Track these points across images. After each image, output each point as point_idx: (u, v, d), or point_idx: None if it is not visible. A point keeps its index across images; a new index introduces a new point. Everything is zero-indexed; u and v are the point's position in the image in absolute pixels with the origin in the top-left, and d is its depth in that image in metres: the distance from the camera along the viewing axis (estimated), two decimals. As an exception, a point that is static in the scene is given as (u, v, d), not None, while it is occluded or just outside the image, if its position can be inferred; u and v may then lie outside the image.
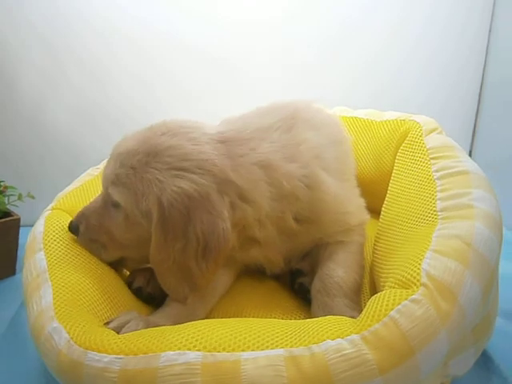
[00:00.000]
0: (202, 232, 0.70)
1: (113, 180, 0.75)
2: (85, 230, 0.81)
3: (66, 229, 0.83)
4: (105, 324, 0.66)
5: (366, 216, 0.93)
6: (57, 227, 0.83)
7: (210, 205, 0.71)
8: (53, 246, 0.78)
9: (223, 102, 1.47)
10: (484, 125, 1.72)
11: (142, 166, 0.73)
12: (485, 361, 0.78)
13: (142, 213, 0.73)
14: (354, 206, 0.90)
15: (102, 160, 1.13)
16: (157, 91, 1.58)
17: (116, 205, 0.76)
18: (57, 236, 0.80)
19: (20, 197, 1.15)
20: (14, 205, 1.15)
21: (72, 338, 0.58)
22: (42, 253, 0.76)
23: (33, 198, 1.16)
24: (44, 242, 0.78)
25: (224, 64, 1.59)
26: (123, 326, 0.65)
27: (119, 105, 1.56)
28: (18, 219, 1.13)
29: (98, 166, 1.11)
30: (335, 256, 0.83)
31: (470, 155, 1.74)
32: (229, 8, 1.54)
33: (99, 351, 0.54)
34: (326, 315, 0.65)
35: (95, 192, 1.00)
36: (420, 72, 1.69)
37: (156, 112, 1.40)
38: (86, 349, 0.55)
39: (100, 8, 1.48)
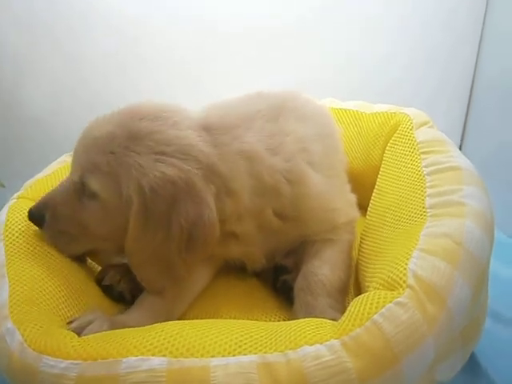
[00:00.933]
0: (187, 222, 0.66)
1: (89, 168, 0.70)
2: (51, 220, 0.74)
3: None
4: (67, 323, 0.61)
5: (356, 213, 0.89)
6: (20, 217, 0.77)
7: (196, 193, 0.67)
8: (14, 237, 0.72)
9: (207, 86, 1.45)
10: (475, 118, 1.69)
11: (121, 150, 0.68)
12: (471, 365, 0.74)
13: (122, 201, 0.68)
14: (343, 202, 0.86)
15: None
16: (133, 75, 1.54)
17: (93, 195, 0.70)
18: (19, 227, 0.75)
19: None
20: (-19, 194, 1.10)
21: (26, 341, 0.53)
22: (2, 245, 0.70)
23: (3, 186, 1.11)
24: (5, 233, 0.73)
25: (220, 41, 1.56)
26: (85, 327, 0.60)
27: (94, 89, 1.51)
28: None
29: (71, 153, 1.06)
30: (321, 254, 0.79)
31: (460, 149, 1.71)
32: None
33: (55, 356, 0.50)
34: (307, 315, 0.62)
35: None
36: (408, 62, 1.65)
37: (133, 97, 1.38)
38: (41, 353, 0.51)
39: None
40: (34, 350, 0.51)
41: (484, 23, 1.61)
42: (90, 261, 0.83)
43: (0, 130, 1.48)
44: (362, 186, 0.97)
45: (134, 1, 1.47)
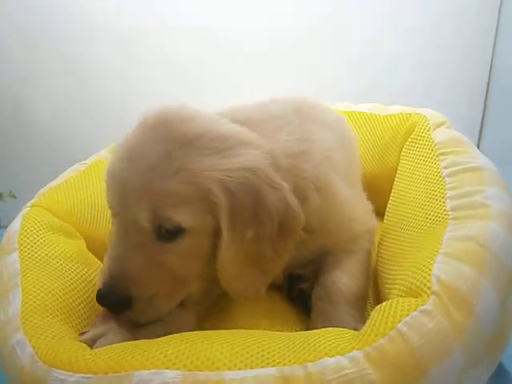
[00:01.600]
0: (276, 211, 0.62)
1: (168, 202, 0.59)
2: (139, 292, 0.60)
3: (45, 228, 0.76)
4: (79, 335, 0.59)
5: (374, 222, 0.86)
6: (35, 226, 0.76)
7: (272, 179, 0.63)
8: (29, 246, 0.71)
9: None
10: (492, 118, 1.67)
11: (188, 160, 0.60)
12: (499, 373, 0.71)
13: (211, 215, 0.60)
14: (362, 211, 0.84)
15: (88, 156, 1.09)
16: (139, 89, 1.55)
17: (178, 231, 0.60)
18: (34, 236, 0.73)
19: (0, 196, 1.10)
20: (-6, 204, 1.10)
21: (36, 353, 0.51)
22: (16, 254, 0.69)
23: (14, 197, 1.11)
24: (19, 242, 0.71)
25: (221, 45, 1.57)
26: (97, 339, 0.58)
27: (101, 101, 1.53)
28: (-2, 219, 1.08)
29: (84, 162, 1.05)
30: (340, 264, 0.76)
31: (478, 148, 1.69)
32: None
33: (65, 369, 0.48)
34: (326, 325, 0.59)
35: (80, 189, 0.94)
36: (419, 62, 1.66)
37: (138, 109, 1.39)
38: (51, 366, 0.49)
39: (88, 3, 1.45)
40: (44, 362, 0.50)
41: (499, 20, 1.59)
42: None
43: (10, 144, 1.49)
44: (378, 190, 0.95)
45: (133, 7, 1.49)
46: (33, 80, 1.48)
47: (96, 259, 0.82)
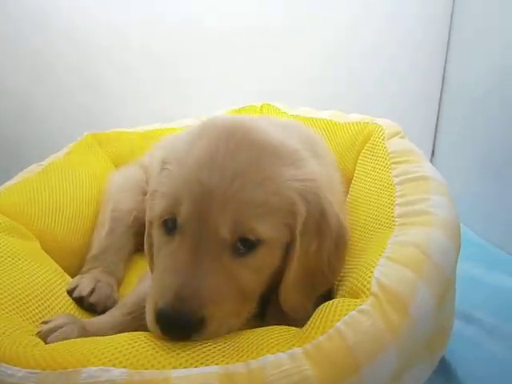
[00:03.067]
0: (336, 224, 0.62)
1: (256, 212, 0.56)
2: (214, 311, 0.54)
3: None
4: (41, 323, 0.61)
5: None
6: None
7: (335, 191, 0.66)
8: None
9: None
10: (445, 125, 1.77)
11: (274, 169, 0.59)
12: (441, 366, 0.75)
13: (289, 228, 0.60)
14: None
15: (44, 157, 1.09)
16: (99, 90, 1.58)
17: (256, 243, 0.58)
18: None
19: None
20: None
21: None
22: None
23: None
24: (-29, 243, 0.72)
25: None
26: (55, 331, 0.59)
27: (60, 102, 1.53)
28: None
29: (41, 163, 1.05)
30: None
31: (433, 154, 1.81)
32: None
33: (14, 364, 0.49)
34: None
35: (36, 190, 0.94)
36: (380, 73, 1.75)
37: (99, 115, 1.42)
38: (0, 360, 0.50)
39: (46, 3, 1.46)
40: (-8, 356, 0.50)
41: (450, 34, 1.71)
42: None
43: None
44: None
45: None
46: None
47: (50, 259, 0.84)
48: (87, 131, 1.28)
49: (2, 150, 1.52)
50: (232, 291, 0.56)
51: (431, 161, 1.78)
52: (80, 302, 0.77)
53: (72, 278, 0.84)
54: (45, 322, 0.62)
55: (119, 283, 0.92)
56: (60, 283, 0.77)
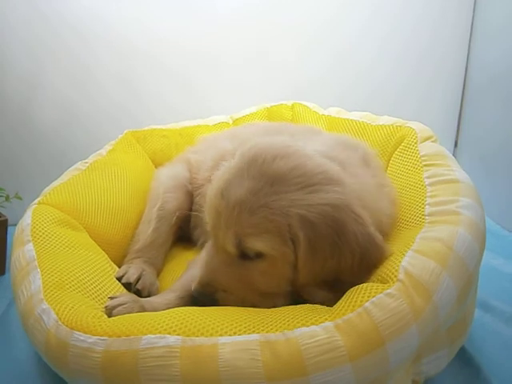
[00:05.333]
0: (358, 245, 0.70)
1: (249, 232, 0.70)
2: (224, 296, 0.74)
3: (52, 221, 0.90)
4: (108, 298, 0.74)
5: None
6: (44, 220, 0.90)
7: (357, 214, 0.71)
8: (41, 238, 0.85)
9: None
10: (469, 116, 1.84)
11: (272, 198, 0.70)
12: (459, 352, 0.80)
13: (288, 247, 0.70)
14: None
15: (86, 156, 1.23)
16: (136, 90, 1.70)
17: (258, 255, 0.72)
18: (44, 229, 0.87)
19: (7, 198, 1.22)
20: (1, 206, 1.22)
21: (60, 319, 0.64)
22: (31, 244, 0.82)
23: (20, 198, 1.23)
24: (32, 234, 0.85)
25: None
26: (120, 306, 0.71)
27: (99, 103, 1.68)
28: (6, 220, 1.20)
29: (86, 161, 1.18)
30: None
31: (456, 145, 1.89)
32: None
33: (84, 332, 0.61)
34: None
35: (82, 186, 1.07)
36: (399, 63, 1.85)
37: (136, 114, 1.56)
38: (72, 329, 0.62)
39: (83, 10, 1.60)
40: (66, 326, 0.63)
41: (472, 23, 1.80)
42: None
43: (13, 148, 1.63)
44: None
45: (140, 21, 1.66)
46: (34, 90, 1.61)
47: (100, 249, 0.96)
48: (125, 129, 1.41)
49: (46, 152, 1.65)
50: (242, 284, 0.74)
51: (454, 152, 1.87)
52: (128, 287, 0.88)
53: (113, 267, 0.96)
54: (111, 298, 0.74)
55: (158, 273, 1.04)
56: (110, 270, 0.89)
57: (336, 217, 0.69)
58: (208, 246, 0.80)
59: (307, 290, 0.74)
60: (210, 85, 1.75)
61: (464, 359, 0.83)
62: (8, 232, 1.21)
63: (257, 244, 0.70)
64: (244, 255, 0.72)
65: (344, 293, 0.67)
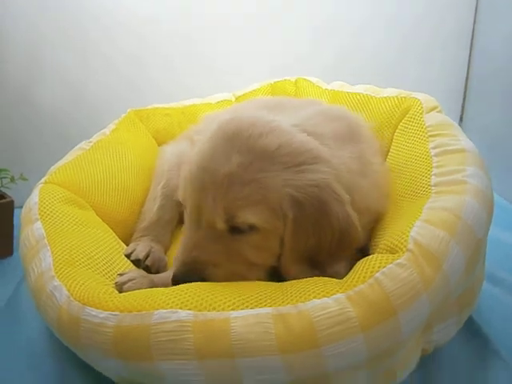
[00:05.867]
0: (338, 222, 0.71)
1: (240, 204, 0.69)
2: (214, 272, 0.70)
3: (60, 200, 0.90)
4: (118, 274, 0.74)
5: None
6: (51, 199, 0.89)
7: (339, 194, 0.71)
8: (49, 216, 0.84)
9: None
10: (474, 91, 1.82)
11: (262, 174, 0.69)
12: (467, 322, 0.80)
13: (279, 222, 0.70)
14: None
15: (92, 135, 1.21)
16: (145, 68, 1.67)
17: (250, 228, 0.70)
18: (52, 207, 0.86)
19: (12, 179, 1.21)
20: (6, 187, 1.21)
21: (72, 295, 0.64)
22: (39, 222, 0.82)
23: (25, 179, 1.21)
24: (40, 212, 0.84)
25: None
26: (130, 281, 0.72)
27: (104, 81, 1.64)
28: (12, 201, 1.18)
29: (90, 140, 1.17)
30: None
31: (461, 119, 1.86)
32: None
33: (96, 307, 0.60)
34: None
35: (87, 165, 1.06)
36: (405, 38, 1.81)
37: (145, 88, 1.55)
38: (84, 304, 0.61)
39: None
40: (79, 301, 0.62)
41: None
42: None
43: (17, 128, 1.60)
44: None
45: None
46: (37, 68, 1.57)
47: (107, 227, 0.95)
48: (132, 106, 1.38)
49: (51, 132, 1.62)
50: (232, 256, 0.71)
51: (459, 125, 1.84)
52: (137, 263, 0.88)
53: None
54: (121, 274, 0.74)
55: (166, 250, 1.03)
56: (118, 247, 0.89)
57: (321, 197, 0.70)
58: (187, 224, 0.75)
59: (288, 268, 0.73)
60: (225, 59, 1.72)
61: (472, 330, 0.83)
62: (14, 214, 1.19)
63: (250, 216, 0.69)
64: (234, 229, 0.70)
65: (322, 272, 0.70)
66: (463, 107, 1.86)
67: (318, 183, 0.70)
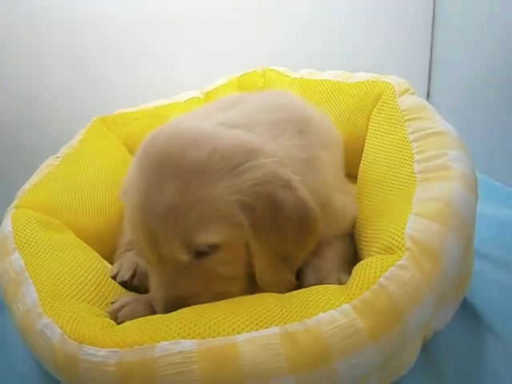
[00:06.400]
0: (292, 210, 0.67)
1: (193, 230, 0.64)
2: (197, 301, 0.65)
3: (35, 225, 0.84)
4: (110, 303, 0.71)
5: (357, 205, 0.92)
6: (25, 225, 0.83)
7: (284, 179, 0.68)
8: (26, 245, 0.79)
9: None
10: (439, 65, 1.81)
11: (205, 191, 0.65)
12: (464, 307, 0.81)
13: (237, 229, 0.66)
14: (352, 206, 0.90)
15: (59, 148, 1.15)
16: (97, 78, 1.61)
17: (213, 248, 0.67)
18: (28, 235, 0.81)
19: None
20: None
21: (65, 333, 0.59)
22: (17, 253, 0.77)
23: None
24: (16, 242, 0.79)
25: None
26: (122, 309, 0.68)
27: (62, 93, 1.58)
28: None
29: (57, 155, 1.11)
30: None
31: (428, 96, 1.85)
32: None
33: (94, 345, 0.56)
34: (316, 275, 0.73)
35: (59, 182, 1.00)
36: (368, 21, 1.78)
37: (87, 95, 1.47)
38: (81, 343, 0.57)
39: None
40: (74, 340, 0.58)
41: None
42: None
43: None
44: (348, 156, 1.04)
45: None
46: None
47: (88, 247, 0.90)
48: (93, 115, 1.33)
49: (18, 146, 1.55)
50: (209, 281, 0.68)
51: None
52: (124, 285, 0.83)
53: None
54: (112, 303, 0.70)
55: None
56: (103, 268, 0.84)
57: (268, 192, 0.66)
58: (151, 264, 0.71)
59: (265, 276, 0.70)
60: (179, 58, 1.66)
61: (465, 309, 0.82)
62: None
63: (209, 236, 0.65)
64: (197, 254, 0.66)
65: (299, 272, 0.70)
66: (429, 84, 1.85)
67: (262, 180, 0.66)
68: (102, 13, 1.56)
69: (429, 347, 0.73)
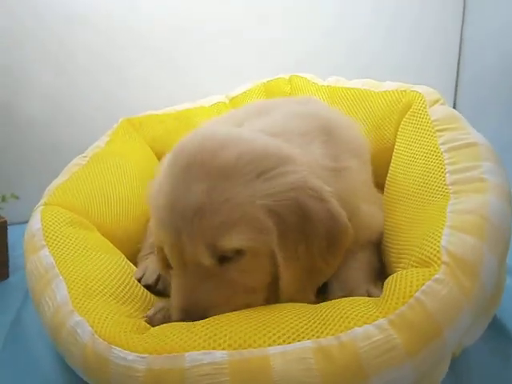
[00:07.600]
0: (321, 223, 0.64)
1: (218, 233, 0.62)
2: (217, 312, 0.62)
3: (64, 223, 0.83)
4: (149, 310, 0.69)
5: (382, 214, 0.89)
6: (54, 222, 0.82)
7: (317, 191, 0.65)
8: (56, 242, 0.77)
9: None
10: (467, 76, 1.78)
11: (232, 193, 0.62)
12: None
13: (264, 234, 0.63)
14: (378, 216, 0.87)
15: (85, 149, 1.14)
16: (128, 79, 1.61)
17: (237, 253, 0.64)
18: (58, 232, 0.80)
19: (4, 198, 1.14)
20: (-2, 207, 1.14)
21: (96, 332, 0.58)
22: (46, 249, 0.75)
23: (16, 198, 1.15)
24: (45, 238, 0.78)
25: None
26: (157, 314, 0.67)
27: (89, 94, 1.58)
28: (5, 221, 1.11)
29: (84, 155, 1.10)
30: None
31: (454, 107, 1.82)
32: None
33: (123, 348, 0.54)
34: (341, 286, 0.70)
35: (85, 181, 0.99)
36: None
37: (127, 100, 1.46)
38: (111, 344, 0.55)
39: None
40: (104, 340, 0.56)
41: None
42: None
43: (5, 146, 1.53)
44: (375, 164, 1.00)
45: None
46: (21, 84, 1.50)
47: (114, 247, 0.89)
48: (118, 118, 1.32)
49: (35, 149, 1.55)
50: (231, 291, 0.65)
51: None
52: (148, 289, 0.81)
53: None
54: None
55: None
56: (130, 270, 0.82)
57: (299, 201, 0.63)
58: (173, 267, 0.68)
59: (291, 291, 0.67)
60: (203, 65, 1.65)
61: (495, 326, 0.79)
62: (8, 233, 1.12)
63: (234, 240, 0.62)
64: (221, 259, 0.64)
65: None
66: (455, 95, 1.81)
67: (292, 186, 0.63)
68: (139, 19, 1.56)
69: (457, 364, 0.69)
